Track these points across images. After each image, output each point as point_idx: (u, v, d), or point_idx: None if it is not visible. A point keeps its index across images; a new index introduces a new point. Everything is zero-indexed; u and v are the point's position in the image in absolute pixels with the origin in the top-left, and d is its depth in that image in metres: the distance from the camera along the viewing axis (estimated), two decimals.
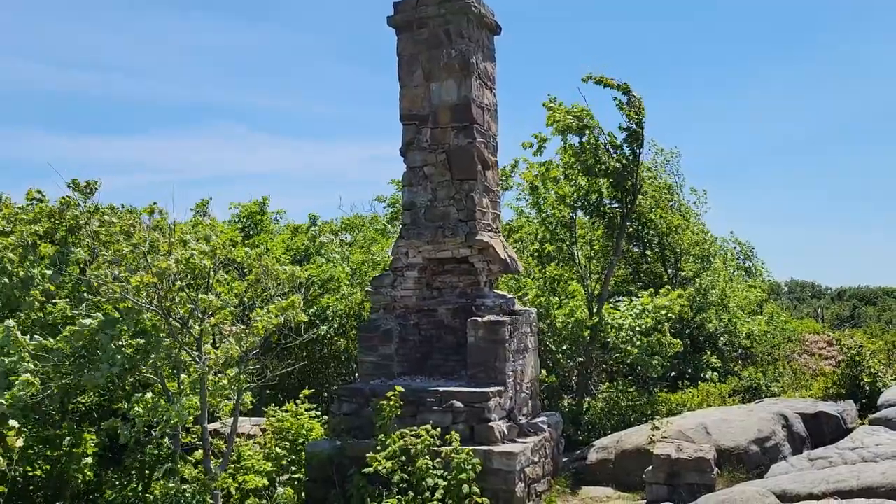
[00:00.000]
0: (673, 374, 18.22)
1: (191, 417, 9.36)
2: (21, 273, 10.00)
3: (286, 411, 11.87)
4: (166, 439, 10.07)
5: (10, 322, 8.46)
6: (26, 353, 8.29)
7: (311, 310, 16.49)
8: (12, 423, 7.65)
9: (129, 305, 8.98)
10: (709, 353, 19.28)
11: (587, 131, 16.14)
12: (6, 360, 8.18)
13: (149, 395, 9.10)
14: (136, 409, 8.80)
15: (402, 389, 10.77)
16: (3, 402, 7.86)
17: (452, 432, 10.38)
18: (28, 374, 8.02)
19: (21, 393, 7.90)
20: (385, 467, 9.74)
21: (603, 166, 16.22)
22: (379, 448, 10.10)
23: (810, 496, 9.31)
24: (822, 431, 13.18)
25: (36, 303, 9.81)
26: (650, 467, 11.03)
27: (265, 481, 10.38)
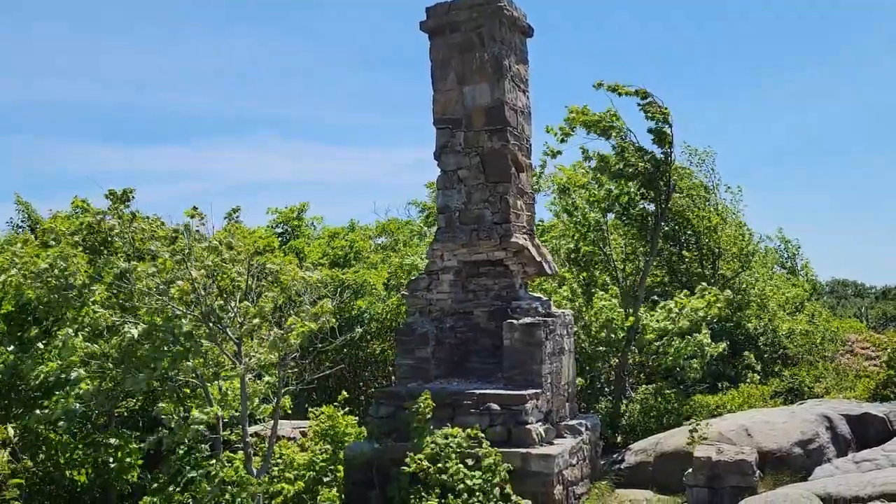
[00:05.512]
0: (711, 375, 17.94)
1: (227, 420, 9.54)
2: (62, 282, 10.29)
3: (327, 415, 11.96)
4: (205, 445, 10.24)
5: (70, 331, 8.78)
6: (77, 358, 8.58)
7: (349, 313, 16.63)
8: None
9: (169, 314, 9.18)
10: (749, 353, 18.94)
11: (613, 132, 16.04)
12: (61, 365, 8.52)
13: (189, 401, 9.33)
14: (193, 413, 9.06)
15: (434, 393, 10.82)
16: (66, 401, 8.24)
17: (480, 434, 10.39)
18: (87, 378, 8.34)
19: (90, 390, 8.27)
20: (423, 468, 9.78)
21: (632, 169, 16.07)
22: (414, 449, 10.16)
23: (856, 499, 9.09)
24: (868, 433, 12.90)
25: (81, 312, 10.11)
26: (690, 470, 10.90)
27: (302, 484, 10.50)
